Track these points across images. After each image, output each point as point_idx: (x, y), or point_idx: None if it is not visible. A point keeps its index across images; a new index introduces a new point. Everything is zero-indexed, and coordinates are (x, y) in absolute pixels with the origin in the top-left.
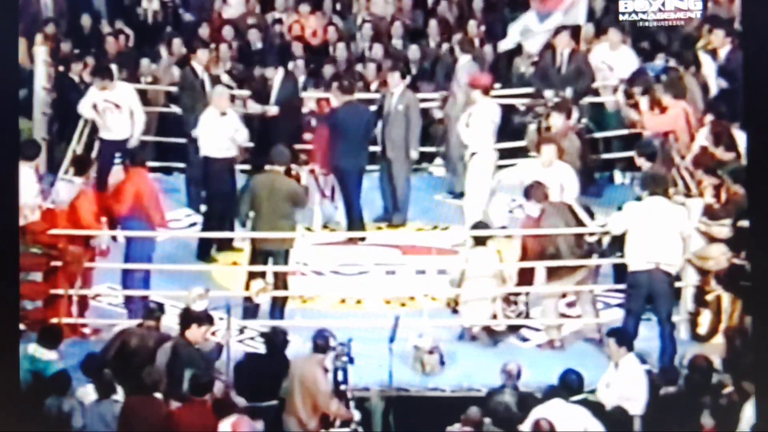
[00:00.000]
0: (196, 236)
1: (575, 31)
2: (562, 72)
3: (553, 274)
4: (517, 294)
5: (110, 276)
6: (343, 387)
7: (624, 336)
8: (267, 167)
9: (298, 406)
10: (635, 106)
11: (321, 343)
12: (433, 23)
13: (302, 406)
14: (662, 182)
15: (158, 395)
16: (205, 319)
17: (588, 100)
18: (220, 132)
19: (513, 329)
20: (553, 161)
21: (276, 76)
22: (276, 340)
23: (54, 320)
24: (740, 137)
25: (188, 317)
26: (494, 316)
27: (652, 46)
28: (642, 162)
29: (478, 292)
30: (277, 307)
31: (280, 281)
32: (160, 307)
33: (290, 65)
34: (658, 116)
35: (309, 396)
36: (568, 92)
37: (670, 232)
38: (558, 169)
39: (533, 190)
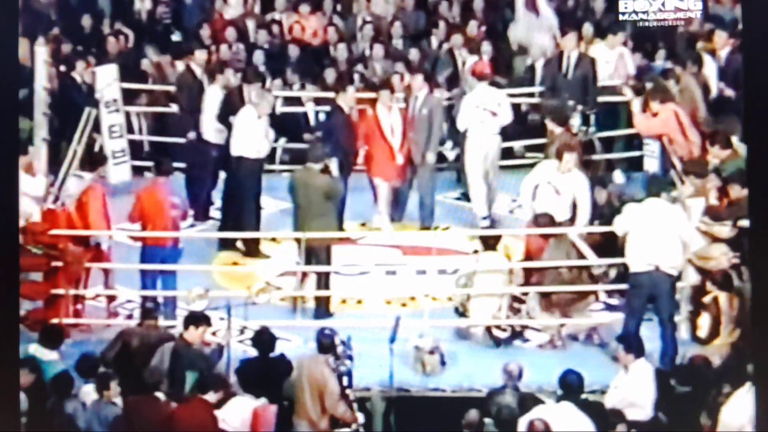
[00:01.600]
0: (197, 237)
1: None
2: (568, 77)
3: (554, 305)
4: (521, 301)
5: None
6: (348, 391)
7: (632, 342)
8: (308, 165)
9: (308, 407)
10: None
11: (326, 342)
12: (439, 24)
13: (312, 406)
14: (664, 184)
15: (160, 395)
16: (202, 320)
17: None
18: (256, 133)
19: (515, 335)
20: (572, 169)
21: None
22: (263, 340)
23: (54, 320)
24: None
25: (186, 318)
26: (499, 327)
27: (652, 46)
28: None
29: (485, 298)
30: (322, 307)
31: (322, 280)
32: (159, 307)
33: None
34: (649, 119)
35: (318, 396)
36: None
37: (670, 233)
38: (575, 178)
39: (540, 220)
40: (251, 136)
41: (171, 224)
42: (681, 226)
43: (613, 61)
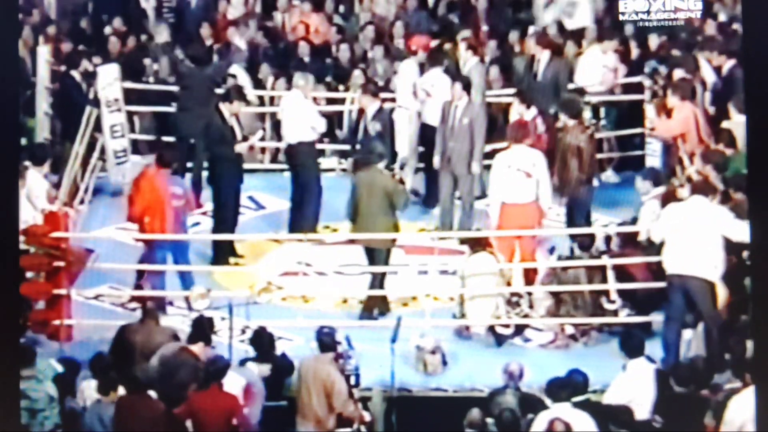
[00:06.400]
0: (206, 238)
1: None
2: (538, 78)
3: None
4: (519, 296)
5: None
6: (354, 390)
7: (626, 341)
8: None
9: (315, 406)
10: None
11: (327, 340)
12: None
13: (319, 405)
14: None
15: (152, 393)
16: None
17: (604, 99)
18: (308, 115)
19: (518, 331)
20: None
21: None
22: (263, 340)
23: (56, 321)
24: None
25: (195, 333)
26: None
27: (651, 46)
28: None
29: (481, 296)
30: (380, 310)
31: (377, 281)
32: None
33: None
34: (667, 121)
35: (326, 395)
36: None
37: (712, 235)
38: (536, 158)
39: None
40: (304, 119)
41: (173, 216)
42: (727, 226)
43: (609, 64)
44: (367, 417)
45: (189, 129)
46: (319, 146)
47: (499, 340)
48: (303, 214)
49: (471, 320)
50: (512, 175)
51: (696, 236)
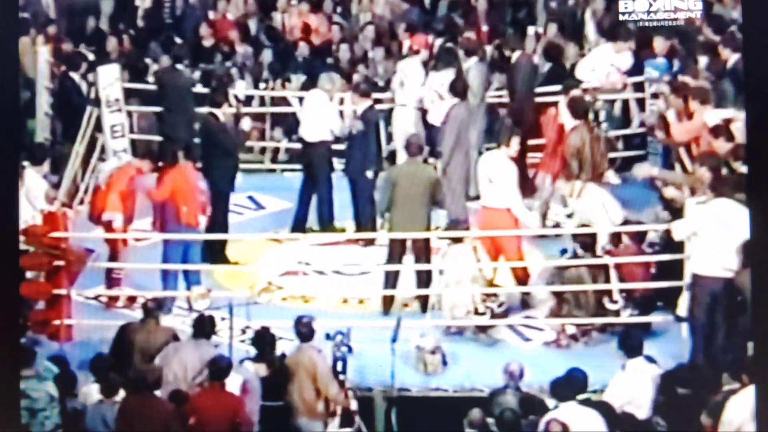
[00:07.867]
0: (206, 238)
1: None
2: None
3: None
4: (495, 295)
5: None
6: (342, 377)
7: (625, 340)
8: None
9: (305, 394)
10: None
11: (305, 330)
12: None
13: (307, 392)
14: (730, 183)
15: (158, 393)
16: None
17: (606, 97)
18: (330, 115)
19: (497, 316)
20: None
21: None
22: (264, 340)
23: (56, 321)
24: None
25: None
26: (475, 310)
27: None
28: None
29: (456, 290)
30: (421, 308)
31: (422, 280)
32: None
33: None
34: (686, 124)
35: (311, 381)
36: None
37: (739, 236)
38: (501, 163)
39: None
40: (325, 119)
41: (200, 208)
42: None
43: (618, 64)
44: (353, 406)
45: (171, 130)
46: None
47: (480, 328)
48: (317, 213)
49: (466, 320)
50: (481, 178)
51: (723, 238)
